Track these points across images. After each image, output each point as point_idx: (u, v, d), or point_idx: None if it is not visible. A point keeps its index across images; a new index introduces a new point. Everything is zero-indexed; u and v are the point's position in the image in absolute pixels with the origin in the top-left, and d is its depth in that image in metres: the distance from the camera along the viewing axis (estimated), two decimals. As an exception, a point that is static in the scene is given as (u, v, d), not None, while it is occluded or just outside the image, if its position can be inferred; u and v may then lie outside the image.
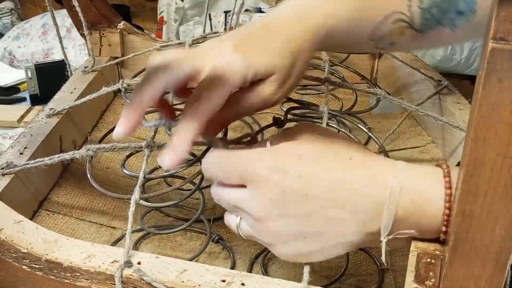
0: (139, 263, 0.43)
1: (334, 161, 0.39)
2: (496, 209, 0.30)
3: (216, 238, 0.62)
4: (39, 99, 1.36)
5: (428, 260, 0.37)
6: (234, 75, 0.42)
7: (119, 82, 0.67)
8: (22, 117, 1.27)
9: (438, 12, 0.48)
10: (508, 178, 0.29)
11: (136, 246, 0.62)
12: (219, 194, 0.44)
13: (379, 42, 0.51)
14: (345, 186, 0.38)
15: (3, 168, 0.59)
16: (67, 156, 0.55)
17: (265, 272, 0.58)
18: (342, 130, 0.72)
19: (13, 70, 1.66)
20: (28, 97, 1.41)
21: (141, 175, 0.49)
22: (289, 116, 0.60)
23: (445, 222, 0.36)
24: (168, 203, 0.60)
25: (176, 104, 0.64)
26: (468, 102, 0.76)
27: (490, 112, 0.28)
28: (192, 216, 0.61)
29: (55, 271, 0.45)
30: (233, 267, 0.59)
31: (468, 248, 0.32)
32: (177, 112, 0.50)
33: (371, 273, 0.59)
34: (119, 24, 0.91)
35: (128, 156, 0.60)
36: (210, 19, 2.09)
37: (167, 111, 0.47)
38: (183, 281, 0.42)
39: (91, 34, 0.88)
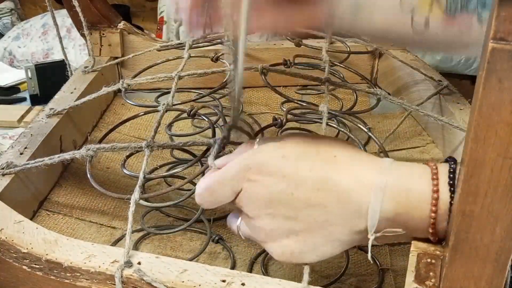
0: (139, 263, 0.43)
1: (317, 160, 0.39)
2: (496, 209, 0.30)
3: (216, 238, 0.62)
4: (39, 99, 1.36)
5: (428, 260, 0.37)
6: None
7: (119, 82, 0.67)
8: (22, 117, 1.27)
9: None
10: (508, 178, 0.29)
11: (136, 246, 0.62)
12: None
13: (412, 21, 0.49)
14: (329, 185, 0.38)
15: (3, 168, 0.59)
16: (67, 156, 0.55)
17: (265, 272, 0.58)
18: (342, 130, 0.72)
19: (13, 70, 1.66)
20: (28, 97, 1.41)
21: (141, 175, 0.49)
22: (289, 116, 0.60)
23: (432, 224, 0.36)
24: (168, 203, 0.60)
25: (176, 104, 0.64)
26: (468, 102, 0.76)
27: (490, 112, 0.28)
28: (192, 216, 0.61)
29: (55, 271, 0.45)
30: (233, 267, 0.59)
31: (468, 248, 0.32)
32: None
33: (371, 273, 0.59)
34: (119, 24, 0.91)
35: (128, 156, 0.60)
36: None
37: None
38: (183, 281, 0.42)
39: (91, 34, 0.88)
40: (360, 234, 0.39)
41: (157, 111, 0.60)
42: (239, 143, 0.50)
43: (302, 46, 0.86)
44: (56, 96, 0.78)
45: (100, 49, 0.91)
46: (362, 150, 0.41)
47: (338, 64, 0.85)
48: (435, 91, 0.79)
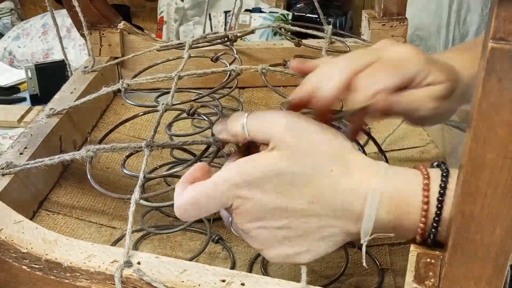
0: (139, 263, 0.43)
1: (313, 175, 0.39)
2: (496, 209, 0.30)
3: (216, 238, 0.62)
4: (39, 99, 1.37)
5: (428, 260, 0.37)
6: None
7: (119, 82, 0.67)
8: (22, 117, 1.27)
9: None
10: (508, 178, 0.29)
11: (136, 246, 0.62)
12: None
13: None
14: (325, 198, 0.38)
15: (3, 168, 0.59)
16: (67, 156, 0.55)
17: (265, 272, 0.58)
18: (342, 130, 0.72)
19: (13, 70, 1.66)
20: (28, 97, 1.41)
21: (141, 175, 0.49)
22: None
23: (420, 234, 0.37)
24: (168, 203, 0.60)
25: (176, 104, 0.64)
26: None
27: (490, 112, 0.28)
28: (192, 216, 0.61)
29: (55, 271, 0.45)
30: (232, 267, 0.59)
31: (468, 248, 0.32)
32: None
33: (371, 273, 0.59)
34: (119, 24, 0.91)
35: (128, 156, 0.60)
36: (210, 19, 2.09)
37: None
38: (183, 281, 0.42)
39: (91, 34, 0.88)
40: (353, 236, 0.39)
41: (157, 111, 0.60)
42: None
43: (302, 46, 0.86)
44: (56, 96, 0.78)
45: (100, 49, 0.91)
46: (359, 152, 0.41)
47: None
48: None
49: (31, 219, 0.60)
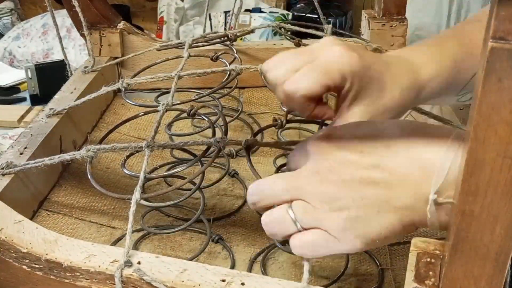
0: (139, 262, 0.43)
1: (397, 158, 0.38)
2: (496, 209, 0.30)
3: (216, 238, 0.62)
4: (39, 99, 1.37)
5: (428, 259, 0.37)
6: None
7: (119, 82, 0.67)
8: (22, 117, 1.27)
9: None
10: (508, 178, 0.29)
11: (136, 246, 0.62)
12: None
13: (462, 97, 0.54)
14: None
15: (3, 168, 0.59)
16: (67, 156, 0.55)
17: (265, 272, 0.58)
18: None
19: (13, 70, 1.66)
20: (28, 97, 1.41)
21: (141, 175, 0.49)
22: (289, 116, 0.60)
23: None
24: (168, 203, 0.60)
25: (176, 104, 0.64)
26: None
27: (490, 112, 0.28)
28: (192, 216, 0.61)
29: (55, 271, 0.45)
30: (232, 266, 0.59)
31: (468, 247, 0.32)
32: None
33: (371, 273, 0.59)
34: (119, 24, 0.91)
35: (128, 156, 0.60)
36: (210, 19, 2.09)
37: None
38: (183, 281, 0.42)
39: (91, 34, 0.88)
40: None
41: (157, 111, 0.60)
42: (239, 143, 0.50)
43: (302, 46, 0.86)
44: (56, 96, 0.78)
45: (100, 49, 0.91)
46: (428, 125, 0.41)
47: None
48: (435, 91, 0.79)
49: (31, 219, 0.60)
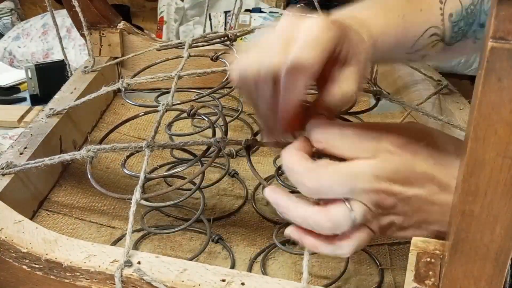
0: (139, 262, 0.43)
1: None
2: (496, 209, 0.30)
3: (216, 238, 0.62)
4: (39, 99, 1.36)
5: (428, 259, 0.37)
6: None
7: (119, 82, 0.67)
8: (22, 117, 1.27)
9: (465, 25, 0.51)
10: (508, 177, 0.29)
11: (136, 246, 0.62)
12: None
13: (413, 55, 0.53)
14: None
15: (3, 168, 0.59)
16: (67, 156, 0.55)
17: (265, 272, 0.58)
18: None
19: (13, 70, 1.65)
20: (28, 97, 1.41)
21: (142, 175, 0.49)
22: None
23: None
24: (168, 203, 0.60)
25: (176, 104, 0.64)
26: (468, 102, 0.76)
27: (490, 112, 0.28)
28: (192, 216, 0.61)
29: (55, 271, 0.45)
30: (232, 266, 0.59)
31: (468, 247, 0.32)
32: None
33: (371, 273, 0.59)
34: (119, 24, 0.91)
35: (128, 156, 0.60)
36: (210, 19, 2.09)
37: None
38: (183, 281, 0.42)
39: (91, 34, 0.88)
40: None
41: (157, 111, 0.60)
42: (239, 142, 0.50)
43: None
44: (56, 96, 0.78)
45: (100, 49, 0.91)
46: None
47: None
48: (435, 90, 0.79)
49: (31, 219, 0.60)
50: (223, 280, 0.41)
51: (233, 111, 0.87)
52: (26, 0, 2.28)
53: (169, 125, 0.79)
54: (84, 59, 1.07)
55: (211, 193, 0.71)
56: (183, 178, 0.61)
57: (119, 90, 0.67)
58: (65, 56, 0.84)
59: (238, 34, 0.86)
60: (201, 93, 0.73)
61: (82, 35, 0.88)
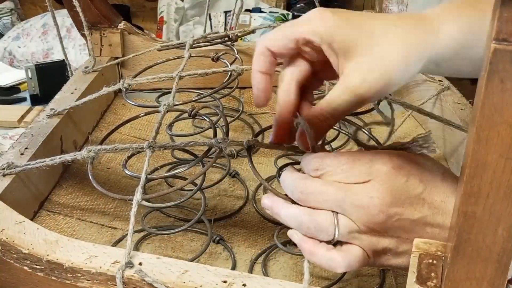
0: (140, 263, 0.43)
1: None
2: (498, 211, 0.30)
3: (217, 238, 0.62)
4: (39, 99, 1.36)
5: (430, 261, 0.37)
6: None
7: (119, 82, 0.67)
8: (22, 117, 1.27)
9: None
10: (511, 179, 0.29)
11: (137, 246, 0.62)
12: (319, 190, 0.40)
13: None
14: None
15: (4, 169, 0.59)
16: (68, 157, 0.55)
17: (266, 273, 0.58)
18: (343, 131, 0.72)
19: (13, 70, 1.65)
20: (28, 97, 1.41)
21: (143, 176, 0.49)
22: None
23: None
24: (169, 204, 0.60)
25: (177, 105, 0.64)
26: (469, 102, 0.76)
27: (493, 113, 0.28)
28: (193, 217, 0.61)
29: (56, 271, 0.45)
30: (234, 267, 0.59)
31: (470, 249, 0.32)
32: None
33: (372, 273, 0.59)
34: (119, 24, 0.91)
35: (129, 157, 0.60)
36: (210, 19, 2.09)
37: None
38: (184, 282, 0.42)
39: (91, 34, 0.88)
40: None
41: (158, 111, 0.60)
42: (240, 143, 0.50)
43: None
44: (56, 97, 0.78)
45: (101, 49, 0.91)
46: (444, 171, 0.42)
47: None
48: (436, 91, 0.79)
49: (32, 219, 0.60)
50: (225, 281, 0.41)
51: (234, 112, 0.87)
52: (26, 0, 2.28)
53: (170, 126, 0.79)
54: (84, 59, 1.08)
55: (212, 193, 0.71)
56: (184, 178, 0.61)
57: (120, 90, 0.67)
58: (66, 56, 0.84)
59: (239, 34, 0.86)
60: (202, 94, 0.73)
61: (83, 35, 0.88)
